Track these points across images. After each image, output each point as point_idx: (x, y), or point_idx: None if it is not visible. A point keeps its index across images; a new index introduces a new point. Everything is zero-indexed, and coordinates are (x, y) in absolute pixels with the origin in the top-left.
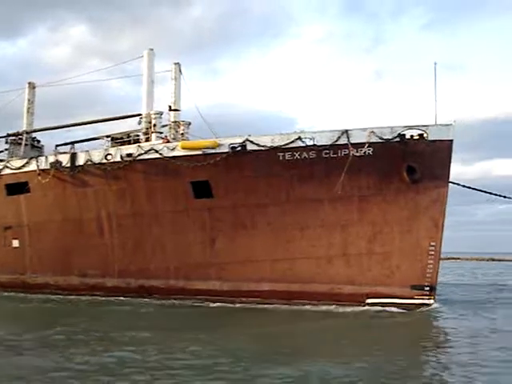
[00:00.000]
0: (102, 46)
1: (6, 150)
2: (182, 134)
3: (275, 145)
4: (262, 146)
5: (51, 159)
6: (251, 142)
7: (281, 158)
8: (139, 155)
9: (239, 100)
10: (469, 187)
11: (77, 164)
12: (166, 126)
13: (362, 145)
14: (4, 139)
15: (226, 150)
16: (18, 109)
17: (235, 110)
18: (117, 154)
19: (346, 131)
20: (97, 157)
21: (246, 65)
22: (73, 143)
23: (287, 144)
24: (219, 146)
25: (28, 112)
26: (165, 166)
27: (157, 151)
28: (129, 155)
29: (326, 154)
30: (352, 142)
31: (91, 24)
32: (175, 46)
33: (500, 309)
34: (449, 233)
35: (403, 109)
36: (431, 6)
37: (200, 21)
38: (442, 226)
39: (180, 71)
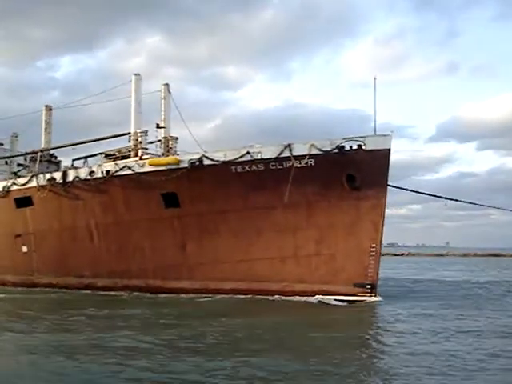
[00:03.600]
0: (178, 55)
1: (26, 166)
2: (171, 148)
3: (227, 159)
4: (216, 161)
5: (47, 176)
6: (207, 157)
7: (233, 170)
8: (116, 171)
9: (312, 100)
10: (409, 190)
11: (67, 180)
12: (153, 142)
13: (303, 157)
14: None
15: (186, 165)
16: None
17: (308, 109)
18: (98, 170)
19: (289, 145)
20: (83, 174)
21: (318, 64)
22: (86, 158)
23: (237, 158)
24: (180, 162)
25: (46, 132)
26: (138, 181)
27: (129, 168)
28: (108, 172)
29: (272, 166)
30: (294, 154)
31: (165, 34)
32: (247, 50)
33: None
34: None
35: (479, 100)
36: None
37: (271, 24)
38: (382, 228)
39: (169, 91)
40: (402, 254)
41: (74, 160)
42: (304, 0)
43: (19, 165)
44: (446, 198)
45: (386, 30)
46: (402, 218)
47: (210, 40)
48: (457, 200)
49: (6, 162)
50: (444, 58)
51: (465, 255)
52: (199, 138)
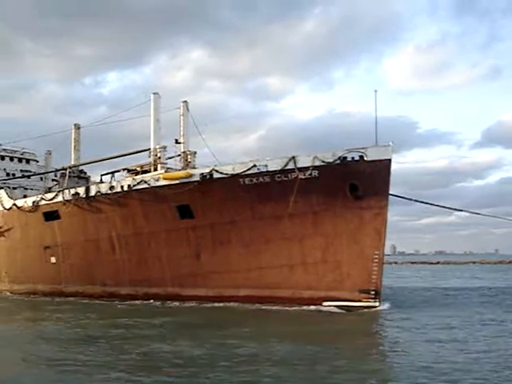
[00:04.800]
0: (221, 68)
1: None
2: (189, 162)
3: (236, 172)
4: (225, 174)
5: (72, 192)
6: (216, 171)
7: (242, 182)
8: (134, 186)
9: (355, 108)
10: (409, 199)
11: (90, 195)
12: (171, 157)
13: (307, 168)
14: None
15: (198, 178)
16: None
17: (351, 118)
18: (118, 185)
19: (293, 157)
20: (103, 188)
21: (360, 73)
22: (113, 173)
23: (245, 171)
24: (192, 175)
25: (75, 149)
26: (155, 194)
27: (146, 182)
28: (126, 186)
29: (278, 177)
30: (298, 166)
31: (208, 48)
32: (289, 61)
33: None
34: None
35: None
36: None
37: (312, 35)
38: (384, 236)
39: (187, 108)
40: (438, 263)
41: (102, 175)
42: (344, 9)
43: (53, 180)
44: (449, 209)
45: (427, 37)
46: (450, 225)
47: (252, 52)
48: (461, 210)
49: (42, 178)
50: (487, 62)
51: (500, 262)
52: (244, 149)
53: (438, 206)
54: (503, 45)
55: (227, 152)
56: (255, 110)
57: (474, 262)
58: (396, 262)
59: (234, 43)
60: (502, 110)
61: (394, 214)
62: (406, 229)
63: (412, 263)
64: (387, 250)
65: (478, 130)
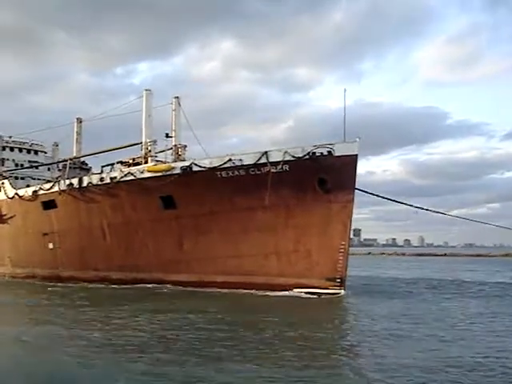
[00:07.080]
0: (249, 58)
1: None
2: (180, 155)
3: (213, 165)
4: (204, 167)
5: (67, 182)
6: (195, 164)
7: (219, 175)
8: (122, 178)
9: (384, 99)
10: (375, 194)
11: (82, 185)
12: (162, 151)
13: (278, 163)
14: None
15: (179, 171)
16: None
17: (380, 108)
18: (107, 177)
19: (266, 152)
20: (95, 180)
21: (389, 65)
22: (112, 164)
23: (221, 165)
24: (173, 168)
25: (77, 142)
26: (140, 185)
27: (132, 174)
28: (114, 178)
29: (252, 171)
30: (270, 160)
31: (238, 39)
32: (318, 52)
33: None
34: None
35: None
36: None
37: (340, 26)
38: (350, 227)
39: (179, 104)
40: (445, 254)
41: (102, 167)
42: (373, 0)
43: (59, 171)
44: (410, 206)
45: (459, 28)
46: (481, 217)
47: (281, 43)
48: (422, 208)
49: (49, 169)
50: None
51: (506, 255)
52: (272, 139)
53: (402, 203)
54: None
55: (255, 142)
56: (283, 101)
57: (478, 255)
58: (404, 254)
59: (263, 34)
60: None
61: (422, 205)
62: (435, 220)
63: (419, 255)
64: (415, 241)
65: (509, 121)
